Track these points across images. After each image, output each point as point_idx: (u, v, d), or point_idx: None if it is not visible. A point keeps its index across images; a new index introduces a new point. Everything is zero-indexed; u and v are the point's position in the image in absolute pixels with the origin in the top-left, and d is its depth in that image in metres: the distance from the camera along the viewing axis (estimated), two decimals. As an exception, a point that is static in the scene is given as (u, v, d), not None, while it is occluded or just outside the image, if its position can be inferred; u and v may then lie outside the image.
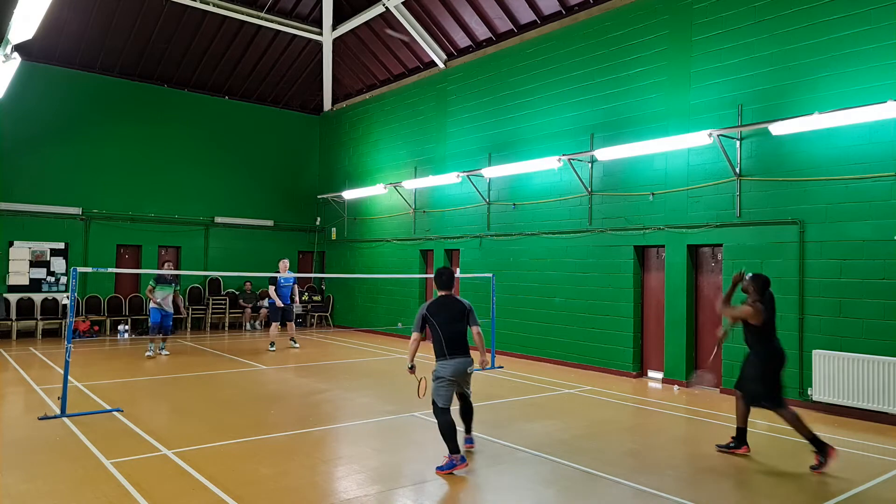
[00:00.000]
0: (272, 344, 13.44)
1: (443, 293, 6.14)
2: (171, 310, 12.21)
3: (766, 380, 6.22)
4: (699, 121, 9.90)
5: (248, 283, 18.18)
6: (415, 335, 6.01)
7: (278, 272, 13.73)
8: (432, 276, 15.92)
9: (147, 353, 12.03)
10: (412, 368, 6.04)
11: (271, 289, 13.55)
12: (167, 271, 11.24)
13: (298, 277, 19.30)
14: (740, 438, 6.46)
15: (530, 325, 12.55)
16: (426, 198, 15.57)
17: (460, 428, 6.09)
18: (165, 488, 5.12)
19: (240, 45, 17.17)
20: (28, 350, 12.89)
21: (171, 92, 17.47)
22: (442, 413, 5.79)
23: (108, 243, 16.22)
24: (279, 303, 13.45)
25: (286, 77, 18.69)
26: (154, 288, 12.06)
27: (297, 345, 13.89)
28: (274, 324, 13.65)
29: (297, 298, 14.18)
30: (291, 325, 13.98)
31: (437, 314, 5.99)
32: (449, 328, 5.95)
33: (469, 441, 6.34)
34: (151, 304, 12.07)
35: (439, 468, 5.65)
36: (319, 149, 20.20)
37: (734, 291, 6.56)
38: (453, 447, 5.66)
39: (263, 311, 17.64)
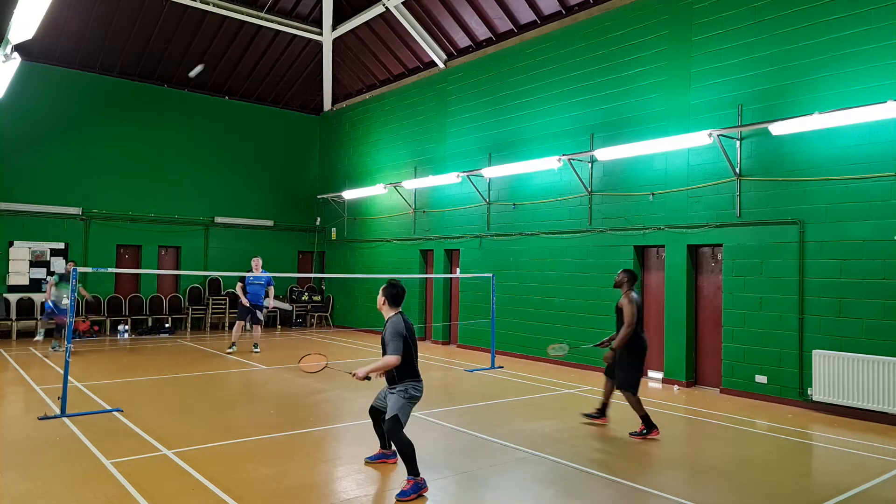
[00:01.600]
0: (233, 345, 12.93)
1: (397, 311, 5.53)
2: (65, 307, 12.21)
3: (634, 369, 7.14)
4: (699, 121, 9.90)
5: (248, 283, 18.17)
6: (396, 359, 5.29)
7: (251, 271, 13.04)
8: (432, 276, 15.95)
9: (54, 348, 12.58)
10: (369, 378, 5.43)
11: (238, 287, 13.05)
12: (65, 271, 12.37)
13: (299, 278, 19.40)
14: (602, 411, 7.54)
15: (530, 325, 12.55)
16: (426, 198, 15.57)
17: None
18: (165, 488, 5.12)
19: (240, 45, 17.17)
20: (28, 350, 12.88)
21: (171, 92, 17.47)
22: (403, 431, 5.25)
23: (108, 243, 16.22)
24: (245, 302, 12.88)
25: (286, 77, 18.70)
26: (56, 284, 12.70)
27: (258, 350, 13.01)
28: (238, 323, 13.06)
29: (270, 300, 13.24)
30: (257, 329, 13.19)
31: (411, 334, 5.46)
32: (416, 347, 5.55)
33: (393, 455, 5.90)
34: (49, 300, 12.86)
35: (402, 495, 5.00)
36: (319, 149, 20.20)
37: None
38: (416, 469, 5.14)
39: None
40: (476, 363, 11.96)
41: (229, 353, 12.69)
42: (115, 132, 16.45)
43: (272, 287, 13.30)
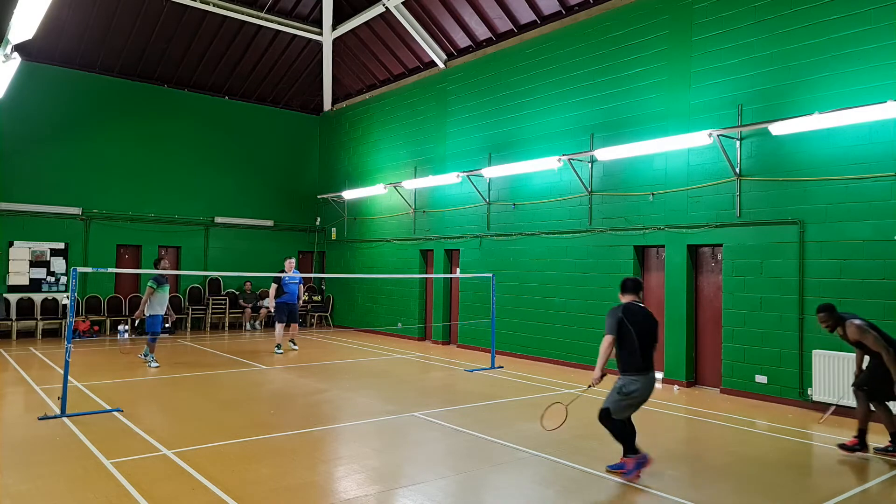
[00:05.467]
0: (279, 346, 12.93)
1: (630, 299, 5.92)
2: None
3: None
4: (699, 121, 9.90)
5: (248, 283, 18.19)
6: (607, 339, 5.85)
7: (283, 271, 13.08)
8: (432, 276, 15.98)
9: (154, 365, 10.93)
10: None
11: (273, 288, 13.02)
12: (165, 270, 10.77)
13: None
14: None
15: (530, 325, 12.55)
16: (426, 198, 15.57)
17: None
18: (165, 488, 5.12)
19: (240, 45, 17.17)
20: (28, 350, 12.88)
21: (171, 92, 17.47)
22: (612, 419, 5.77)
23: (108, 243, 16.22)
24: (272, 306, 12.96)
25: (286, 77, 18.70)
26: (155, 290, 10.78)
27: (297, 346, 13.46)
28: (279, 324, 13.03)
29: (302, 298, 13.72)
30: (295, 326, 13.35)
31: (637, 323, 5.76)
32: (647, 338, 5.78)
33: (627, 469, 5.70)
34: (151, 311, 10.82)
35: (615, 467, 5.70)
36: (319, 149, 20.20)
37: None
38: (631, 447, 5.68)
39: (263, 310, 17.58)
40: (476, 363, 11.96)
41: (279, 353, 12.80)
42: (115, 132, 16.45)
43: (302, 286, 13.44)
